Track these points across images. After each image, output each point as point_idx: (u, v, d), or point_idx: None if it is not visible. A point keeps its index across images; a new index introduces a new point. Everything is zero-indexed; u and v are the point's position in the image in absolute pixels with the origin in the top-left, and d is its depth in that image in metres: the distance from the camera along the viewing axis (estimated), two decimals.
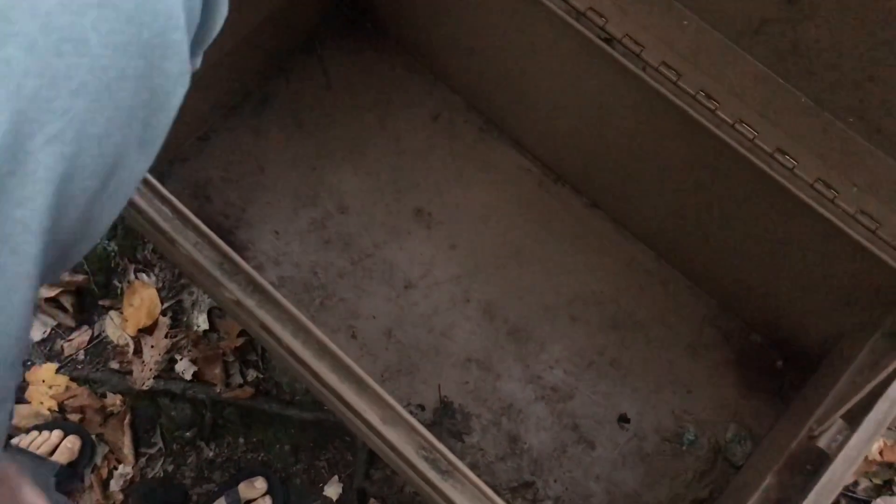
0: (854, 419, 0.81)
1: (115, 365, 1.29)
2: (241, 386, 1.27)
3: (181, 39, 0.36)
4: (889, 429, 1.25)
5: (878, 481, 1.22)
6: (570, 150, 1.24)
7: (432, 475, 0.78)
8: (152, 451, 1.26)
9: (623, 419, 1.19)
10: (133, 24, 0.33)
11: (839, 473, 0.79)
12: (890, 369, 0.74)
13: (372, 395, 0.80)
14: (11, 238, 0.32)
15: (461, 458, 1.17)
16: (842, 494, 1.21)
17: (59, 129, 0.32)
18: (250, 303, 0.83)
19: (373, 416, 0.80)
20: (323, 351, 0.81)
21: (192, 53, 0.41)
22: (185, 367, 1.27)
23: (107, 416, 1.27)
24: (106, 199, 0.37)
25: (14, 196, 0.31)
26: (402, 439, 0.79)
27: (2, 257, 0.32)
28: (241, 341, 1.28)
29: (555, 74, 1.09)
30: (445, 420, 1.19)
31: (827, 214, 0.89)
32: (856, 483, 1.22)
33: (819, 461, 0.82)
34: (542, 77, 1.11)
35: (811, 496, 0.77)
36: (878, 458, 1.22)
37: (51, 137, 0.32)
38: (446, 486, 0.78)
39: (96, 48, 0.32)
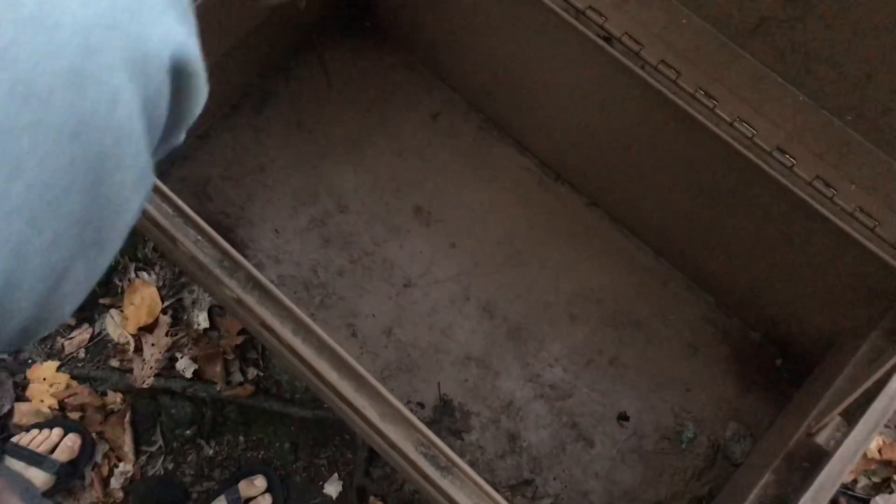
0: (852, 416, 0.81)
1: (115, 363, 1.30)
2: (241, 384, 1.27)
3: (137, 150, 0.35)
4: (887, 427, 1.25)
5: (876, 479, 1.22)
6: (570, 149, 1.24)
7: (431, 472, 0.78)
8: (152, 449, 1.27)
9: (622, 417, 1.19)
10: (78, 143, 0.32)
11: (837, 470, 0.79)
12: (888, 366, 0.74)
13: (371, 391, 0.80)
14: None
15: (461, 456, 1.17)
16: (841, 492, 1.22)
17: None
18: (250, 300, 0.83)
19: (372, 413, 0.80)
20: (322, 348, 0.82)
21: (169, 138, 0.40)
22: (185, 366, 1.28)
23: (107, 414, 1.28)
24: (61, 297, 0.36)
25: None
26: (402, 436, 0.79)
27: None
28: (241, 339, 1.28)
29: (554, 73, 1.09)
30: (445, 418, 1.19)
31: (825, 212, 0.89)
32: (855, 481, 1.23)
33: (817, 458, 0.82)
34: (542, 76, 1.12)
35: (809, 493, 0.77)
36: (877, 456, 1.23)
37: None
38: (445, 483, 0.78)
39: (33, 170, 0.31)
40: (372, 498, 1.24)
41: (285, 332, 0.82)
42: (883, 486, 1.22)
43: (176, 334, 1.29)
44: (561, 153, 1.27)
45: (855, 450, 0.79)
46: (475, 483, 0.77)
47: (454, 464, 0.78)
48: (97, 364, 1.30)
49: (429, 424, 1.18)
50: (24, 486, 1.16)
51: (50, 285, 0.35)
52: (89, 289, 0.38)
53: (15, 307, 0.33)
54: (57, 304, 0.36)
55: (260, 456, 1.26)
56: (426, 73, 1.36)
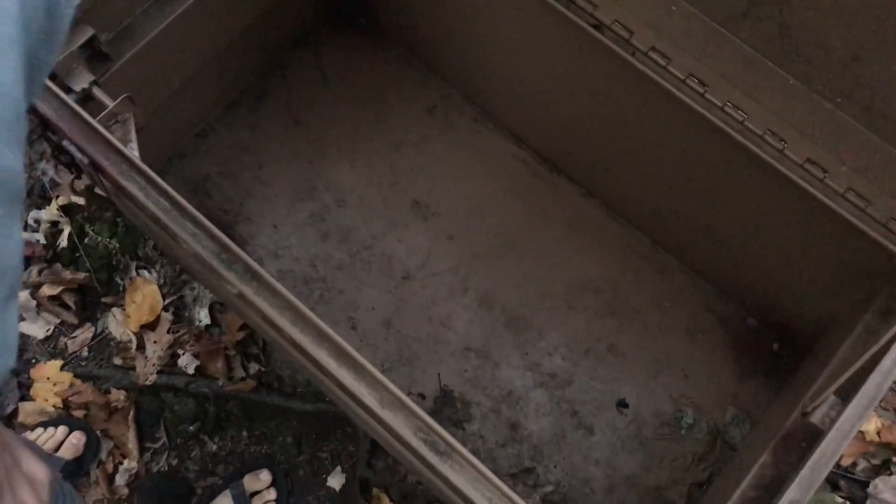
0: (846, 394, 0.82)
1: (118, 361, 1.30)
2: (243, 379, 1.28)
3: None
4: (885, 409, 1.26)
5: (876, 462, 1.23)
6: (564, 138, 1.25)
7: (431, 457, 0.79)
8: (156, 445, 1.28)
9: (622, 404, 1.20)
10: None
11: (832, 448, 0.80)
12: (880, 344, 0.75)
13: (370, 379, 0.81)
14: None
15: (462, 445, 1.18)
16: (841, 476, 1.22)
17: None
18: (249, 291, 0.84)
19: (371, 401, 0.81)
20: (321, 337, 0.82)
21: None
22: (187, 362, 1.28)
23: (111, 411, 1.29)
24: None
25: None
26: (401, 422, 0.80)
27: None
28: (242, 335, 1.29)
29: (546, 63, 1.10)
30: (446, 408, 1.20)
31: (817, 194, 0.90)
32: (854, 464, 1.23)
33: (813, 437, 0.83)
34: (534, 66, 1.13)
35: (805, 471, 0.78)
36: (876, 438, 1.23)
37: None
38: (445, 468, 0.79)
39: None
40: (375, 489, 1.24)
41: (284, 322, 0.83)
42: (882, 469, 1.22)
43: (178, 331, 1.30)
44: (556, 143, 1.28)
45: (850, 427, 0.80)
46: (474, 467, 0.78)
47: (454, 449, 0.79)
48: (100, 362, 1.31)
49: (430, 415, 1.19)
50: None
51: None
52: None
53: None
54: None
55: (263, 450, 1.27)
56: (421, 67, 1.37)
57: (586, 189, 1.30)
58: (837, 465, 1.22)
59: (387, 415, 0.80)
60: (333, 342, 0.82)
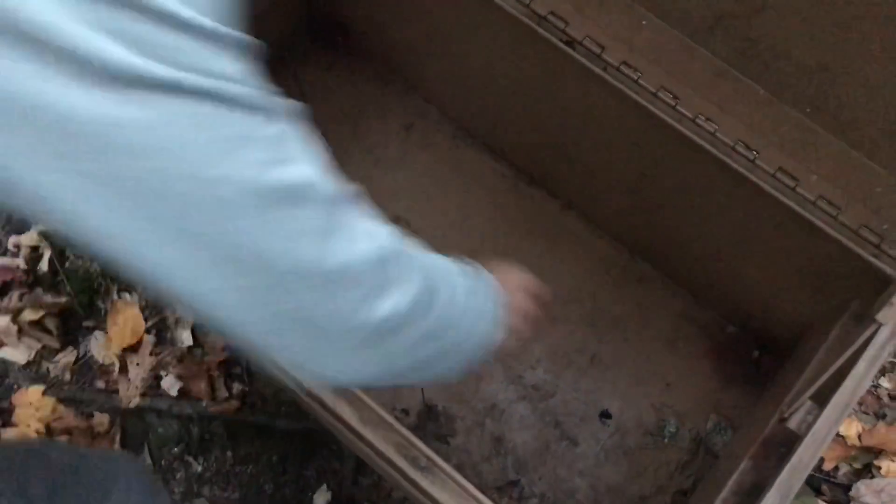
0: (822, 399, 0.83)
1: (101, 384, 1.30)
2: (226, 399, 1.28)
3: None
4: (866, 413, 1.27)
5: (857, 465, 1.24)
6: (541, 152, 1.26)
7: (413, 473, 0.79)
8: None
9: (605, 415, 1.21)
10: None
11: (810, 453, 0.81)
12: (853, 349, 0.76)
13: (351, 397, 0.82)
14: None
15: (447, 460, 1.18)
16: (823, 480, 1.23)
17: None
18: None
19: (353, 419, 0.81)
20: None
21: None
22: (170, 384, 1.28)
23: (94, 435, 1.28)
24: None
25: None
26: (382, 439, 0.81)
27: None
28: (225, 355, 1.29)
29: (520, 79, 1.11)
30: (430, 424, 1.20)
31: (789, 203, 0.91)
32: (836, 468, 1.24)
33: (790, 442, 0.84)
34: (508, 82, 1.14)
35: (783, 475, 0.79)
36: (857, 442, 1.25)
37: None
38: (427, 483, 0.79)
39: None
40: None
41: None
42: (864, 472, 1.23)
43: (160, 353, 1.30)
44: (533, 158, 1.29)
45: (826, 432, 0.81)
46: (456, 482, 0.79)
47: (435, 464, 0.79)
48: (83, 386, 1.31)
49: (414, 431, 1.19)
50: None
51: None
52: None
53: None
54: None
55: (248, 470, 1.27)
56: (399, 84, 1.38)
57: (565, 201, 1.31)
58: (819, 470, 1.23)
59: (368, 432, 0.81)
60: None
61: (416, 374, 0.60)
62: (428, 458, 0.79)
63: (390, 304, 0.52)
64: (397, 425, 0.80)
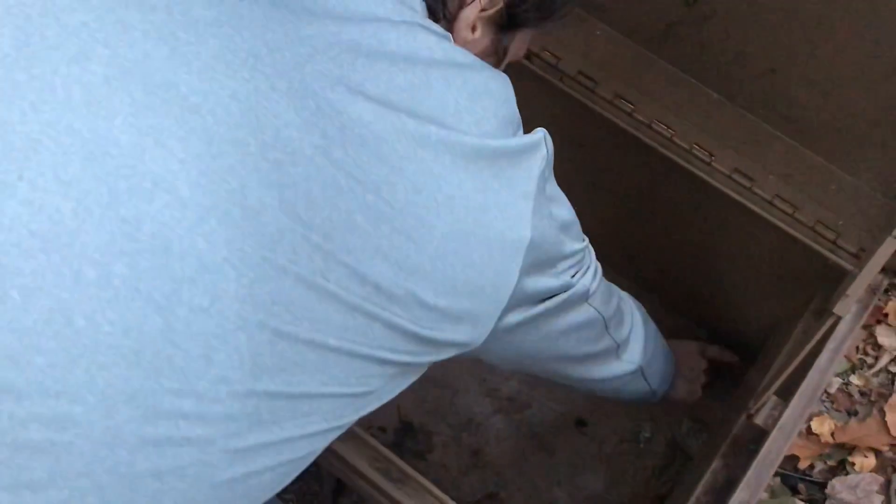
0: (787, 393, 0.84)
1: None
2: None
3: None
4: (838, 410, 1.28)
5: (832, 462, 1.25)
6: None
7: (385, 485, 0.80)
8: None
9: (580, 423, 1.21)
10: None
11: (777, 447, 0.82)
12: (813, 342, 0.77)
13: None
14: None
15: (425, 475, 1.18)
16: (799, 479, 1.24)
17: None
18: None
19: None
20: None
21: None
22: None
23: None
24: None
25: None
26: (354, 453, 0.81)
27: None
28: None
29: None
30: (407, 440, 1.20)
31: (747, 203, 0.93)
32: (812, 466, 1.25)
33: (758, 438, 0.85)
34: None
35: (751, 471, 0.80)
36: (830, 440, 1.26)
37: None
38: (400, 494, 0.79)
39: None
40: None
41: None
42: (839, 469, 1.24)
43: None
44: None
45: (793, 425, 0.83)
46: (429, 492, 0.79)
47: (407, 475, 0.80)
48: None
49: (391, 447, 1.19)
50: None
51: None
52: None
53: None
54: None
55: None
56: None
57: None
58: (795, 469, 1.24)
59: (340, 447, 0.81)
60: None
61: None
62: (400, 469, 0.79)
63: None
64: (369, 438, 0.80)
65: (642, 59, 0.97)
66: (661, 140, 0.94)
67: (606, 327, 0.77)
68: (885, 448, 1.25)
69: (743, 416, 0.87)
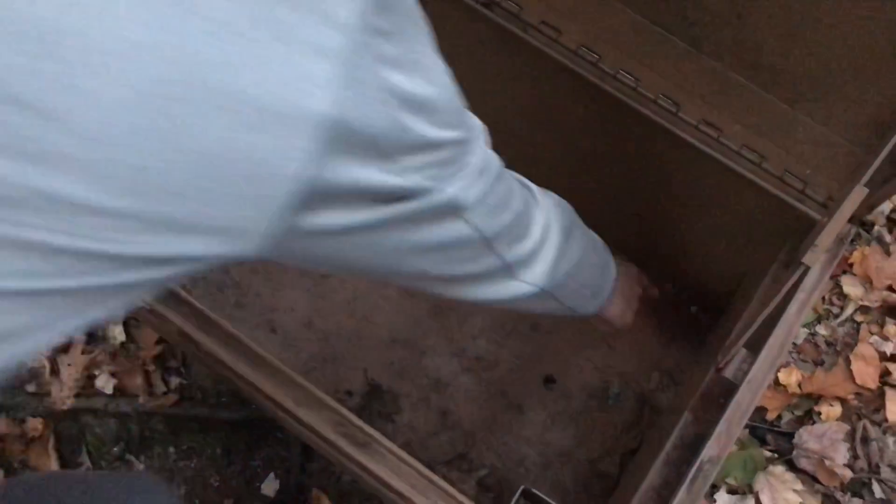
0: (756, 346, 0.83)
1: (32, 388, 1.25)
2: (164, 394, 1.24)
3: None
4: (804, 360, 1.29)
5: (799, 413, 1.26)
6: None
7: (351, 449, 0.78)
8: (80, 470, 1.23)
9: (549, 381, 1.20)
10: None
11: (748, 399, 0.81)
12: (781, 294, 0.76)
13: (283, 378, 0.79)
14: None
15: (393, 438, 1.17)
16: (767, 430, 1.25)
17: None
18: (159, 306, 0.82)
19: (287, 401, 0.79)
20: (230, 340, 0.80)
21: None
22: (104, 382, 1.24)
23: (28, 441, 1.24)
24: None
25: None
26: (318, 419, 0.79)
27: None
28: (159, 349, 1.25)
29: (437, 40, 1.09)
30: (375, 403, 1.19)
31: (714, 153, 0.91)
32: (779, 417, 1.26)
33: (728, 392, 0.84)
34: None
35: (721, 425, 0.79)
36: (797, 390, 1.26)
37: None
38: (365, 459, 0.77)
39: None
40: (315, 490, 1.22)
41: (190, 328, 0.81)
42: (806, 419, 1.25)
43: (92, 351, 1.26)
44: None
45: (762, 377, 0.82)
46: (395, 455, 0.77)
47: (372, 438, 0.78)
48: (13, 392, 1.26)
49: (359, 411, 1.18)
50: None
51: None
52: None
53: None
54: None
55: (192, 465, 1.24)
56: None
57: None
58: (763, 420, 1.25)
59: (304, 413, 0.79)
60: (243, 345, 0.80)
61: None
62: (365, 432, 0.77)
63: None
64: (333, 403, 0.78)
65: (607, 7, 0.94)
66: (627, 90, 0.92)
67: (490, 246, 0.59)
68: (851, 397, 1.26)
69: (712, 370, 0.86)
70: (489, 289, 0.65)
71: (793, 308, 0.84)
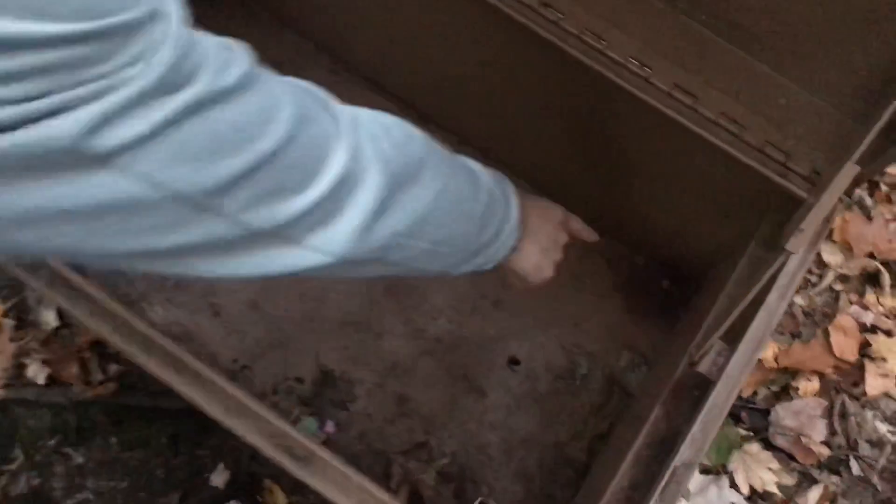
0: (734, 337, 0.76)
1: None
2: (102, 383, 1.16)
3: None
4: (781, 333, 1.23)
5: (775, 388, 1.20)
6: (428, 85, 1.15)
7: (290, 465, 0.70)
8: (13, 466, 1.15)
9: (513, 362, 1.13)
10: None
11: (723, 397, 0.75)
12: (762, 282, 0.69)
13: (210, 386, 0.71)
14: None
15: (347, 427, 1.10)
16: (742, 407, 1.19)
17: None
18: (59, 299, 0.73)
19: (215, 410, 0.71)
20: (148, 344, 0.72)
21: None
22: (36, 371, 1.15)
23: None
24: None
25: None
26: (251, 430, 0.71)
27: None
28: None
29: (402, 5, 0.99)
30: (327, 390, 1.11)
31: (688, 123, 0.82)
32: (755, 393, 1.20)
33: (702, 387, 0.77)
34: (397, 13, 1.02)
35: (697, 424, 0.73)
36: (774, 365, 1.21)
37: None
38: (306, 475, 0.70)
39: None
40: (267, 481, 1.16)
41: (104, 329, 0.72)
42: (782, 395, 1.20)
43: (22, 338, 1.17)
44: (420, 90, 1.18)
45: (738, 374, 0.75)
46: (338, 470, 0.70)
47: (313, 453, 0.70)
48: None
49: (310, 399, 1.10)
50: None
51: None
52: None
53: None
54: None
55: (136, 456, 1.16)
56: (266, 20, 1.24)
57: (461, 137, 1.21)
58: (739, 397, 1.19)
59: (235, 423, 0.71)
60: (162, 349, 0.71)
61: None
62: (305, 447, 0.70)
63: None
64: (267, 414, 0.70)
65: None
66: (592, 53, 0.83)
67: (207, 207, 0.41)
68: (829, 370, 1.20)
69: (685, 362, 0.79)
70: (246, 262, 0.46)
71: (773, 296, 0.76)
